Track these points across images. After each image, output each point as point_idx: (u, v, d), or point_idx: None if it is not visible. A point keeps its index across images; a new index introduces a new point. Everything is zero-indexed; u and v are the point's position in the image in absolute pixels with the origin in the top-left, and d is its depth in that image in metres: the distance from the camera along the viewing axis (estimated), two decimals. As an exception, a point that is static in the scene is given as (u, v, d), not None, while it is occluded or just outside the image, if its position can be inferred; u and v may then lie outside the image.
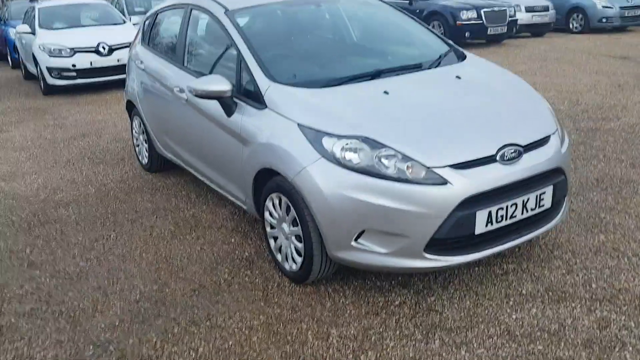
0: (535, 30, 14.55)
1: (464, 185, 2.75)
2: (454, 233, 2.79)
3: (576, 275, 3.15)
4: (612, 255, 3.33)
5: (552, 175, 3.05)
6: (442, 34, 12.42)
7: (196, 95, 3.47)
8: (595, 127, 5.95)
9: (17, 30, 10.60)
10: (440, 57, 3.78)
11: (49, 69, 9.45)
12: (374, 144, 2.83)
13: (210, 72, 3.83)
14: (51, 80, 9.52)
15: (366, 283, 3.21)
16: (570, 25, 14.92)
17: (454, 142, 2.88)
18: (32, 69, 10.38)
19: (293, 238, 3.15)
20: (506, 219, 2.89)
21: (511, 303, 2.94)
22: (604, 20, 14.41)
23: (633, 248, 3.40)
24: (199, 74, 3.89)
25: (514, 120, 3.12)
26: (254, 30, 3.77)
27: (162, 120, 4.62)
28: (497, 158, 2.86)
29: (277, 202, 3.21)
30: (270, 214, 3.31)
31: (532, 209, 2.97)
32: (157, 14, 4.91)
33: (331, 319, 2.92)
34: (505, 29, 12.80)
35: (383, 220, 2.77)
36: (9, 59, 13.99)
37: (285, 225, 3.19)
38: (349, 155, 2.83)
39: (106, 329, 2.98)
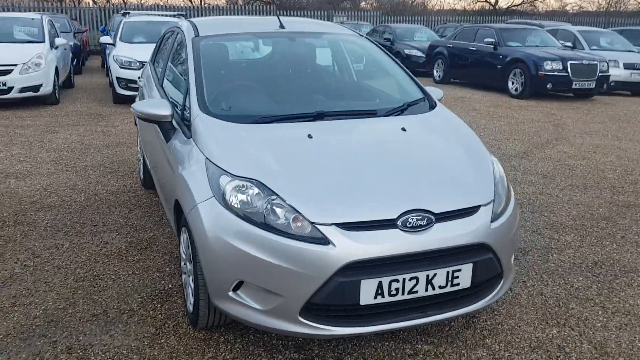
0: (635, 89, 13.39)
1: (348, 248, 2.44)
2: (334, 300, 2.48)
3: (492, 372, 2.68)
4: (552, 355, 2.81)
5: (474, 252, 2.64)
6: (522, 83, 11.87)
7: (138, 117, 3.41)
8: (634, 202, 5.24)
9: (101, 41, 11.32)
10: (404, 105, 3.46)
11: (118, 79, 9.98)
12: (265, 190, 2.59)
13: (169, 95, 3.77)
14: (120, 90, 10.04)
15: (262, 338, 2.93)
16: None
17: (352, 200, 2.57)
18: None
19: (191, 277, 2.96)
20: (403, 293, 2.52)
21: (397, 391, 2.55)
22: None
23: (581, 350, 2.86)
24: (166, 96, 3.85)
25: (436, 184, 2.75)
26: (214, 59, 3.67)
27: (143, 137, 4.63)
28: (398, 223, 2.51)
29: (185, 236, 3.04)
30: (184, 248, 3.15)
31: (440, 287, 2.57)
32: (164, 35, 4.96)
33: (199, 372, 2.68)
34: (593, 85, 11.85)
35: (258, 274, 2.52)
36: (106, 66, 15.02)
37: (188, 263, 3.02)
38: (240, 197, 2.61)
39: (-11, 340, 2.93)
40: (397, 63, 3.96)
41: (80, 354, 2.82)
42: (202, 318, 2.87)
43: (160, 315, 3.17)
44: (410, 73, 3.88)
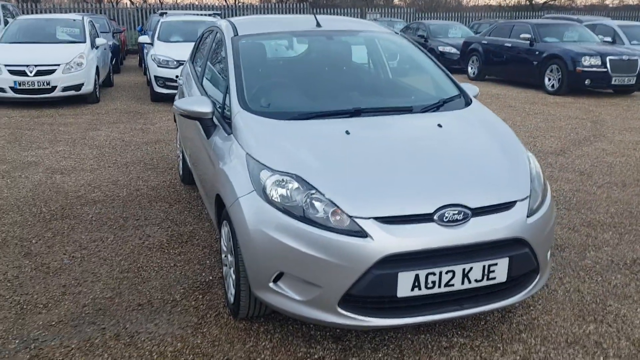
0: (677, 85, 13.03)
1: (386, 241, 2.50)
2: (372, 292, 2.54)
3: (528, 366, 2.71)
4: (588, 351, 2.82)
5: (510, 247, 2.67)
6: (559, 79, 11.68)
7: (180, 115, 3.53)
8: (675, 200, 5.15)
9: (139, 41, 11.59)
10: (439, 101, 3.50)
11: (156, 78, 10.21)
12: (305, 184, 2.67)
13: (209, 93, 3.88)
14: (157, 89, 10.28)
15: (301, 329, 3.02)
16: None
17: (389, 194, 2.63)
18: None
19: (232, 269, 3.06)
20: (439, 286, 2.57)
21: (433, 382, 2.60)
22: None
23: (619, 346, 2.85)
24: (206, 93, 3.98)
25: (473, 179, 2.78)
26: (253, 58, 3.76)
27: (183, 133, 4.76)
28: (435, 218, 2.56)
29: (226, 229, 3.15)
30: (225, 241, 3.25)
31: (477, 280, 2.61)
32: (203, 34, 5.09)
33: (240, 360, 2.78)
34: (633, 80, 11.59)
35: (299, 265, 2.60)
36: (143, 65, 15.35)
37: (229, 255, 3.12)
38: (280, 191, 2.69)
39: (42, 326, 3.08)
40: (432, 60, 3.99)
41: (128, 340, 2.95)
42: (243, 308, 2.97)
43: (202, 306, 3.28)
44: (445, 70, 3.91)
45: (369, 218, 2.54)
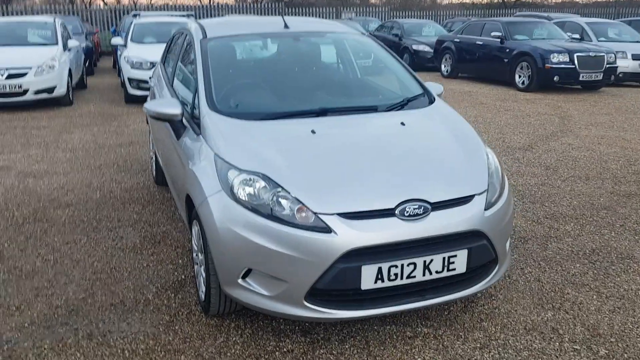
0: (644, 80, 13.40)
1: (350, 236, 2.59)
2: (337, 285, 2.64)
3: (488, 352, 2.83)
4: (545, 337, 2.95)
5: (469, 239, 2.78)
6: (529, 76, 11.93)
7: (150, 117, 3.59)
8: (635, 192, 5.34)
9: (112, 42, 11.54)
10: (404, 100, 3.61)
11: (130, 80, 10.19)
12: (271, 183, 2.75)
13: (179, 94, 3.94)
14: (131, 90, 10.25)
15: (271, 324, 3.10)
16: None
17: (353, 191, 2.73)
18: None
19: (202, 267, 3.13)
20: (402, 278, 2.67)
21: (397, 371, 2.71)
22: None
23: (574, 332, 2.99)
24: (176, 95, 4.03)
25: (433, 175, 2.90)
26: (221, 59, 3.83)
27: (155, 135, 4.81)
28: (397, 212, 2.67)
29: (196, 229, 3.21)
30: (195, 240, 3.32)
31: (437, 272, 2.72)
32: (173, 36, 5.14)
33: (211, 356, 2.85)
34: (600, 76, 11.88)
35: (266, 261, 2.68)
36: (117, 67, 15.26)
37: (200, 253, 3.19)
38: (247, 190, 2.77)
39: (15, 328, 3.12)
40: (397, 60, 4.10)
41: (100, 340, 3.00)
42: (214, 305, 3.04)
43: (174, 304, 3.35)
44: (410, 69, 4.02)
45: (333, 214, 2.63)
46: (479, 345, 2.89)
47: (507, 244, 3.07)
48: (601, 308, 3.25)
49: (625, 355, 2.81)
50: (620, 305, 3.29)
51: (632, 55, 13.10)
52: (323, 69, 4.19)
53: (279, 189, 2.73)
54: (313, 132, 3.11)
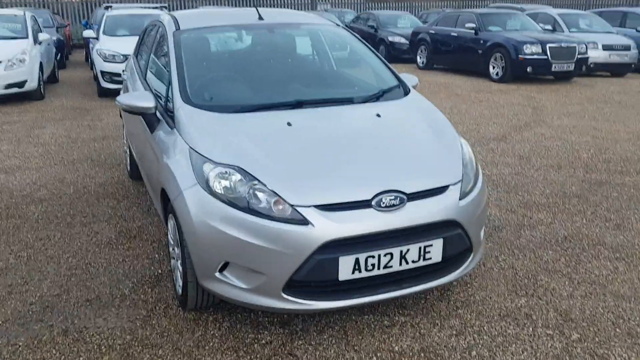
0: (614, 70, 13.65)
1: (326, 228, 2.61)
2: (314, 276, 2.65)
3: (464, 338, 2.87)
4: (519, 323, 3.01)
5: (444, 228, 2.82)
6: (502, 67, 12.06)
7: (123, 110, 3.54)
8: (606, 180, 5.46)
9: (84, 35, 11.35)
10: (379, 92, 3.62)
11: (103, 73, 10.04)
12: (247, 176, 2.75)
13: (152, 87, 3.90)
14: (104, 84, 10.10)
15: (249, 317, 3.10)
16: (657, 67, 13.84)
17: (329, 183, 2.74)
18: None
19: (179, 261, 3.11)
20: (379, 268, 2.70)
21: (374, 359, 2.73)
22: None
23: (547, 317, 3.05)
24: (149, 88, 3.99)
25: (407, 165, 2.92)
26: (195, 51, 3.80)
27: (129, 129, 4.75)
28: (373, 203, 2.68)
29: (172, 222, 3.19)
30: (171, 234, 3.30)
31: (414, 261, 2.75)
32: (146, 28, 5.07)
33: (189, 349, 2.84)
34: (572, 67, 12.06)
35: (243, 255, 2.68)
36: (90, 60, 15.01)
37: (176, 247, 3.17)
38: (223, 183, 2.76)
39: (-12, 326, 3.07)
40: (372, 51, 4.11)
41: (76, 335, 2.98)
42: (191, 299, 3.03)
43: (151, 299, 3.33)
44: (385, 61, 4.03)
45: (310, 206, 2.64)
46: (454, 332, 2.93)
47: (482, 233, 3.11)
48: (573, 294, 3.32)
49: (597, 339, 2.88)
50: (592, 290, 3.36)
51: (603, 45, 13.32)
52: (298, 61, 4.19)
53: (255, 182, 2.72)
54: (289, 124, 3.10)
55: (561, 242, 4.03)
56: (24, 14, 10.91)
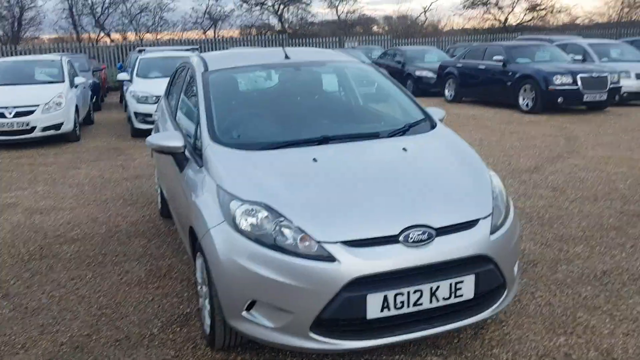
0: (649, 99, 13.38)
1: (353, 264, 2.57)
2: (342, 314, 2.60)
3: (500, 380, 2.76)
4: (558, 362, 2.89)
5: (476, 263, 2.74)
6: (532, 98, 11.95)
7: (153, 150, 3.60)
8: (645, 211, 5.28)
9: (118, 78, 11.69)
10: (405, 126, 3.60)
11: (136, 114, 10.29)
12: (274, 213, 2.74)
13: (182, 127, 3.96)
14: (137, 124, 10.35)
15: (277, 356, 3.05)
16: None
17: (355, 218, 2.71)
18: (131, 113, 11.36)
19: (207, 300, 3.10)
20: (408, 306, 2.63)
21: (406, 402, 2.64)
22: None
23: (588, 357, 2.92)
24: (179, 128, 4.06)
25: (436, 200, 2.87)
26: (223, 91, 3.85)
27: (159, 168, 4.82)
28: (400, 239, 2.64)
29: (200, 261, 3.19)
30: (199, 273, 3.29)
31: (445, 298, 2.68)
32: (177, 70, 5.19)
33: (217, 390, 2.80)
34: (605, 96, 11.88)
35: (270, 292, 2.65)
36: (124, 102, 15.44)
37: (204, 286, 3.16)
38: (250, 221, 2.75)
39: (19, 367, 3.09)
40: (398, 86, 4.11)
41: (105, 376, 2.96)
42: (219, 338, 3.00)
43: (179, 339, 3.30)
44: (411, 95, 4.03)
45: (336, 242, 2.61)
46: (490, 373, 2.83)
47: (515, 268, 3.02)
48: (614, 331, 3.17)
49: (642, 380, 2.74)
50: (634, 327, 3.21)
51: (636, 74, 13.11)
52: (324, 98, 4.21)
53: (282, 219, 2.71)
54: (315, 160, 3.10)
55: (600, 277, 3.88)
56: (61, 59, 11.34)
